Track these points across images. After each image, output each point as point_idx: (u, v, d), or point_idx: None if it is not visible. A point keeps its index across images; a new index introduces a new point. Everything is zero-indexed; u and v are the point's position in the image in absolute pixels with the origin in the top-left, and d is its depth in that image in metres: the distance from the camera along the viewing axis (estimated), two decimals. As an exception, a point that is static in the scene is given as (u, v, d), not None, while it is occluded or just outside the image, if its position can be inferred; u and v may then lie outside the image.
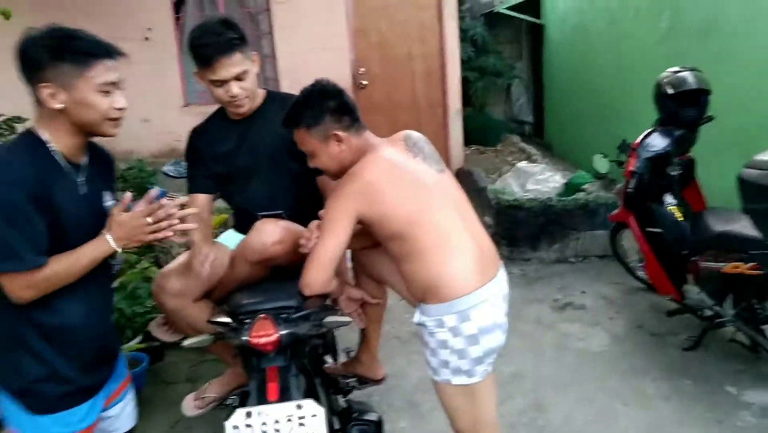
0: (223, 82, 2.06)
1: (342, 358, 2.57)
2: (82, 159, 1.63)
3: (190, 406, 2.33)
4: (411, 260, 1.77)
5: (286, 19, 5.95)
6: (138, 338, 3.06)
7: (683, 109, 3.21)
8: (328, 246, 1.75)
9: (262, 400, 1.73)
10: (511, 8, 7.58)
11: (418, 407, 2.84)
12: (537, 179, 5.23)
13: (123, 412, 1.85)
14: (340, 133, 1.81)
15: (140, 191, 4.12)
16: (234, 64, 2.04)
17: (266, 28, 6.05)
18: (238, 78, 2.07)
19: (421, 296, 1.80)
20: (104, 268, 1.66)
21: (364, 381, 2.36)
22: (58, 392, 1.60)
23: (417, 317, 1.83)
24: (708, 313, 3.10)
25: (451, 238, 1.78)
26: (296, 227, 2.03)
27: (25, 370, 1.58)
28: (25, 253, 1.47)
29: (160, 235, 1.60)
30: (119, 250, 1.59)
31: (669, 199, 3.25)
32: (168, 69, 6.06)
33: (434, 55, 6.11)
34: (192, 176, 2.30)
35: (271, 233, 1.95)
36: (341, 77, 5.93)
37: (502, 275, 1.88)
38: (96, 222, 1.62)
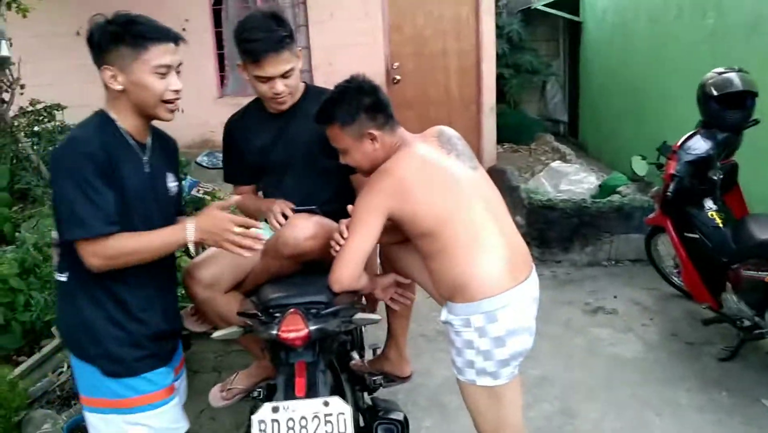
0: (268, 79, 2.04)
1: (368, 354, 2.55)
2: (147, 139, 1.73)
3: (216, 397, 2.33)
4: (440, 257, 1.74)
5: (322, 13, 5.95)
6: (167, 326, 3.09)
7: (728, 111, 3.10)
8: (358, 243, 1.73)
9: (290, 395, 1.72)
10: (549, 5, 7.46)
11: (444, 406, 2.81)
12: (571, 180, 5.14)
13: (181, 386, 1.95)
14: (374, 131, 1.79)
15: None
16: (282, 61, 2.02)
17: (302, 21, 6.06)
18: (284, 75, 2.05)
19: (448, 294, 1.77)
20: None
21: (391, 379, 2.33)
22: (135, 355, 1.69)
23: (444, 315, 1.81)
24: (747, 323, 2.99)
25: (482, 236, 1.74)
26: (329, 223, 2.01)
27: (102, 335, 1.66)
28: (92, 221, 1.53)
29: (235, 249, 1.64)
30: (192, 240, 1.63)
31: (709, 204, 3.15)
32: (204, 60, 6.11)
33: (470, 51, 6.05)
34: (227, 166, 2.31)
35: (305, 228, 1.93)
36: (374, 72, 5.91)
37: (533, 277, 1.84)
38: (158, 200, 1.72)
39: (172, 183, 1.80)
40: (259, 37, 1.98)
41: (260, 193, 2.38)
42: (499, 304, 1.70)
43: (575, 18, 7.48)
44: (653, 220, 3.64)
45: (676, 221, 3.32)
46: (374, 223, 1.73)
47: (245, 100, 2.36)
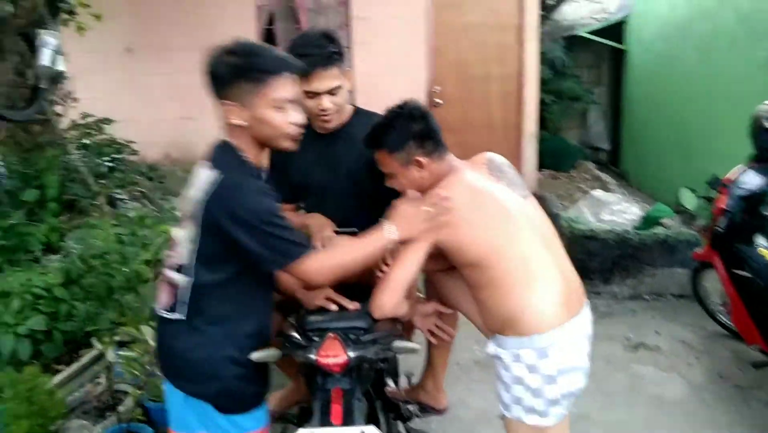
0: (315, 94, 2.06)
1: (403, 381, 2.51)
2: (264, 163, 1.76)
3: None
4: (490, 289, 1.70)
5: (365, 36, 6.01)
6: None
7: (782, 146, 3.01)
8: (402, 270, 1.71)
9: (325, 422, 1.69)
10: (593, 32, 7.40)
11: (478, 439, 2.74)
12: (613, 209, 5.03)
13: None
14: (421, 159, 1.77)
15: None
16: (330, 77, 2.04)
17: (346, 43, 6.12)
18: (331, 92, 2.06)
19: (498, 327, 1.72)
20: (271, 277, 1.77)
21: (426, 409, 2.29)
22: (252, 391, 1.74)
23: (491, 348, 1.75)
24: (800, 369, 2.86)
25: (536, 268, 1.69)
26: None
27: (222, 373, 1.67)
28: (299, 240, 1.63)
29: (434, 225, 1.69)
30: (397, 238, 1.69)
31: (761, 241, 3.04)
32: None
33: (512, 76, 6.01)
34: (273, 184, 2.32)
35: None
36: (416, 95, 5.81)
37: (586, 312, 1.78)
38: None
39: None
40: (310, 53, 2.01)
41: (302, 212, 2.39)
42: (552, 340, 1.64)
43: (619, 46, 7.40)
44: (701, 255, 3.52)
45: (726, 257, 3.20)
46: (419, 251, 1.70)
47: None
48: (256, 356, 1.89)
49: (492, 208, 1.73)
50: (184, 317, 1.67)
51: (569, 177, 6.78)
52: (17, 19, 3.44)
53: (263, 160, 1.73)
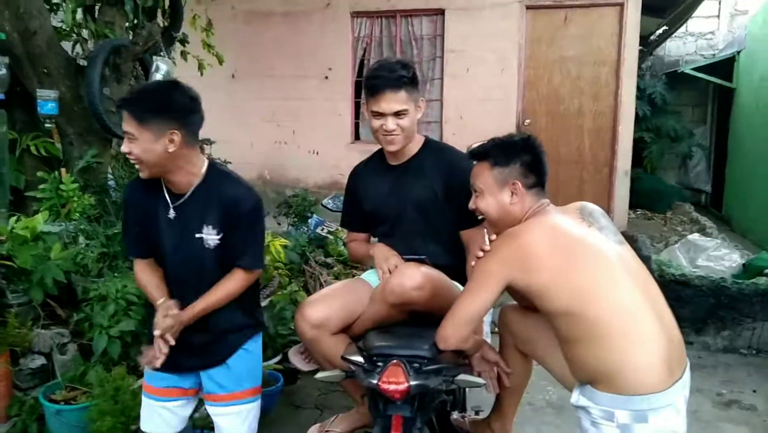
0: (382, 115, 2.11)
1: (470, 414, 2.46)
2: None
3: None
4: (584, 342, 1.58)
5: (458, 67, 6.07)
6: (277, 358, 3.19)
7: None
8: (471, 304, 1.68)
9: (384, 447, 1.70)
10: (699, 69, 7.08)
11: (545, 485, 2.63)
12: (710, 255, 4.72)
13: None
14: (519, 184, 1.74)
15: (301, 219, 4.38)
16: (397, 100, 2.09)
17: (437, 74, 6.21)
18: (397, 114, 2.11)
19: (589, 379, 1.61)
20: None
21: (490, 447, 2.23)
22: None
23: (577, 398, 1.65)
24: None
25: (636, 321, 1.57)
26: (438, 275, 2.00)
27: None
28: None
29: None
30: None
31: None
32: (342, 105, 6.45)
33: (607, 112, 5.86)
34: (345, 212, 2.39)
35: (412, 277, 1.93)
36: (505, 127, 5.87)
37: (687, 375, 1.63)
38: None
39: None
40: (381, 75, 2.09)
41: (373, 240, 2.43)
42: (652, 404, 1.52)
43: (727, 84, 7.03)
44: (806, 311, 3.24)
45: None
46: (491, 288, 1.65)
47: (375, 148, 2.44)
48: (320, 376, 1.94)
49: (580, 250, 1.63)
50: None
51: (665, 218, 6.48)
52: (135, 46, 3.76)
53: None
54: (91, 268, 3.17)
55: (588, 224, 1.71)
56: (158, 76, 3.85)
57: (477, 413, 2.40)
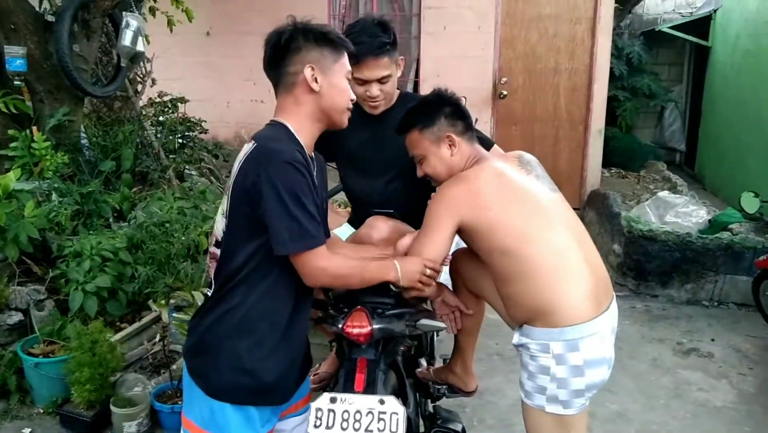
0: (365, 82, 2.12)
1: (438, 363, 2.56)
2: (312, 154, 1.68)
3: None
4: (519, 280, 1.70)
5: (435, 25, 6.02)
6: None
7: None
8: (427, 247, 1.75)
9: (348, 388, 1.77)
10: (676, 28, 7.10)
11: (511, 427, 2.76)
12: (678, 212, 4.85)
13: None
14: (453, 135, 1.81)
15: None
16: (380, 67, 2.09)
17: (415, 32, 6.16)
18: (381, 81, 2.11)
19: (526, 318, 1.72)
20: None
21: (455, 391, 2.33)
22: (245, 384, 1.62)
23: (517, 338, 1.77)
24: None
25: (567, 261, 1.69)
26: (406, 228, 2.06)
27: (221, 362, 1.62)
28: (316, 231, 1.51)
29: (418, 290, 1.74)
30: (403, 285, 1.71)
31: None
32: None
33: (582, 70, 5.88)
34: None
35: (380, 230, 1.99)
36: (482, 85, 5.90)
37: (614, 306, 1.77)
38: (322, 217, 1.66)
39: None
40: (362, 41, 2.05)
41: (345, 192, 2.48)
42: (582, 333, 1.65)
43: (703, 42, 7.07)
44: (763, 262, 3.37)
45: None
46: (444, 229, 1.72)
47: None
48: None
49: (521, 194, 1.74)
50: (210, 293, 1.66)
51: (638, 177, 6.57)
52: (104, 1, 3.69)
53: (312, 144, 1.67)
54: (66, 225, 3.19)
55: (527, 171, 1.82)
56: (128, 33, 3.80)
57: (444, 360, 2.49)
